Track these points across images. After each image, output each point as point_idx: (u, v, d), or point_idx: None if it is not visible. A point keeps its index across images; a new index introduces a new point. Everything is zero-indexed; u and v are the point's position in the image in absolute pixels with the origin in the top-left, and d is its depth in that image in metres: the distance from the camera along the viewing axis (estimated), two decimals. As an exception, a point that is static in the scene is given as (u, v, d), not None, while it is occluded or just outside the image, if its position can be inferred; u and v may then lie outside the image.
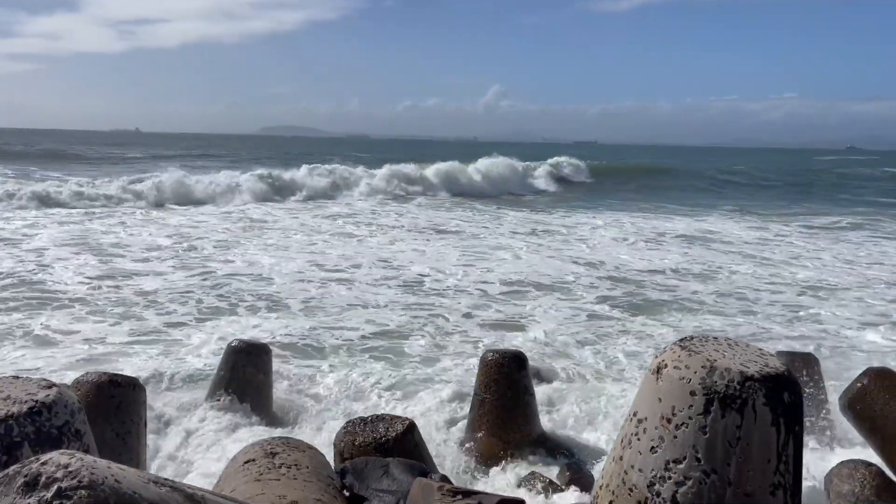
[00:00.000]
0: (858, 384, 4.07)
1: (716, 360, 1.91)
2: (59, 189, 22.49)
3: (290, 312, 9.32)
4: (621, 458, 2.06)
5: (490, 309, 9.82)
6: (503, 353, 5.46)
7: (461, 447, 5.27)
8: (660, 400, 1.96)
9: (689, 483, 1.89)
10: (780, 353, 6.30)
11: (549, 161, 38.87)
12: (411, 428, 3.49)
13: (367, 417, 3.54)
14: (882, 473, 3.80)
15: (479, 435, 5.31)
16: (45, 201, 21.17)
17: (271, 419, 5.70)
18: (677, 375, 1.93)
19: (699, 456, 1.88)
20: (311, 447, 2.59)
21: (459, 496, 1.83)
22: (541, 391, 6.13)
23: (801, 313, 10.08)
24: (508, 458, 5.06)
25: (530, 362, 5.60)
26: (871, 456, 4.02)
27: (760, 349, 2.06)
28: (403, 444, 3.33)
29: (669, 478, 1.92)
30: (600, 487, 2.15)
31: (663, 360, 1.99)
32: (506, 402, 5.29)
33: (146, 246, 14.26)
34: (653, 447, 1.96)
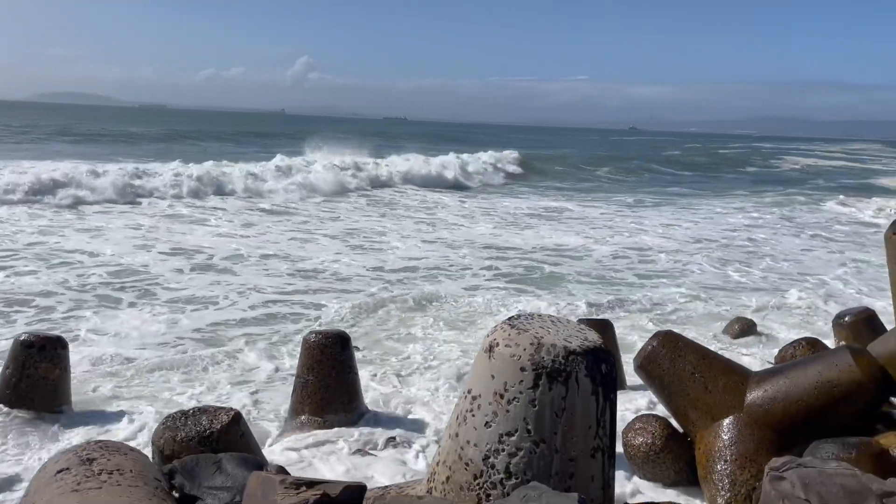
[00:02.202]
0: (649, 346, 4.51)
1: (542, 337, 2.05)
2: None
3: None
4: (457, 435, 2.15)
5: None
6: (325, 334, 5.43)
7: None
8: (493, 377, 2.07)
9: (521, 454, 2.02)
10: (579, 320, 6.86)
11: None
12: (237, 418, 3.38)
13: (189, 410, 3.37)
14: (670, 425, 4.28)
15: (302, 418, 5.26)
16: None
17: (71, 420, 5.21)
18: (508, 353, 2.05)
19: (529, 427, 2.02)
20: (132, 449, 2.42)
21: (303, 487, 1.82)
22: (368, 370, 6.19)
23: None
24: (334, 438, 5.07)
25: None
26: (662, 411, 4.52)
27: (579, 324, 2.24)
28: (229, 435, 3.22)
29: (503, 450, 2.04)
30: (437, 464, 2.23)
31: (495, 339, 2.10)
32: (329, 382, 5.27)
33: None
34: (487, 422, 2.07)
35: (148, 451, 3.06)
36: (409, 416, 5.50)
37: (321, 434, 4.87)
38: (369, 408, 5.51)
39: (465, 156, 31.56)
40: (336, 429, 4.99)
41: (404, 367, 6.74)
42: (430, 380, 6.33)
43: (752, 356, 6.74)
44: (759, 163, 54.13)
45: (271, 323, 8.19)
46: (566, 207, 21.59)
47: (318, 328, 6.63)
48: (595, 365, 2.04)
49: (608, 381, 2.07)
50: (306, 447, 4.69)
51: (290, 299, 9.24)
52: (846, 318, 5.66)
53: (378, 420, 5.29)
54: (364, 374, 6.28)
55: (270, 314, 8.54)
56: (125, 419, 5.28)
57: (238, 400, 5.78)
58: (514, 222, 17.87)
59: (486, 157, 32.99)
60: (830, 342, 5.76)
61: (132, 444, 3.84)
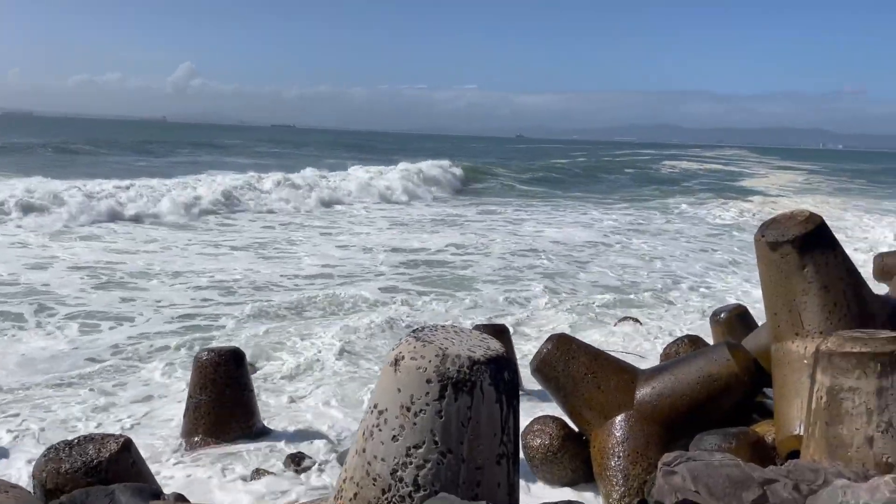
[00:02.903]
0: (544, 350, 4.64)
1: (447, 348, 2.08)
2: None
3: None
4: (364, 450, 2.14)
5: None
6: (218, 352, 5.27)
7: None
8: (399, 390, 2.08)
9: (429, 465, 2.04)
10: (476, 326, 6.98)
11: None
12: (127, 445, 3.21)
13: (73, 440, 3.17)
14: (566, 426, 4.43)
15: (196, 439, 5.07)
16: None
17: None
18: (414, 365, 2.06)
19: (436, 439, 2.04)
20: (13, 485, 2.25)
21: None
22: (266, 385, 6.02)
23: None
24: (230, 459, 4.91)
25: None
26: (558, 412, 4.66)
27: (481, 333, 2.29)
28: (120, 464, 3.06)
29: (411, 463, 2.05)
30: (344, 480, 2.21)
31: (400, 352, 2.11)
32: (224, 400, 5.11)
33: None
34: (394, 436, 2.08)
35: (31, 487, 2.85)
36: (311, 432, 5.40)
37: (218, 456, 4.71)
38: (267, 425, 5.37)
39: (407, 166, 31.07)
40: (233, 449, 4.83)
41: (303, 381, 6.62)
42: (330, 394, 6.24)
43: (640, 355, 7.08)
44: (643, 167, 56.89)
45: (170, 338, 7.82)
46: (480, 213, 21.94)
47: (210, 346, 6.39)
48: (498, 373, 2.09)
49: (511, 389, 2.13)
50: (203, 471, 4.52)
51: (193, 314, 8.89)
52: (721, 315, 6.03)
53: (277, 437, 5.17)
54: (262, 390, 6.13)
55: (172, 331, 8.16)
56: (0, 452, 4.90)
57: (127, 424, 5.49)
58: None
59: (426, 167, 32.90)
60: (710, 338, 6.12)
61: (12, 480, 3.57)
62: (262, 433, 5.25)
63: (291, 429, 5.46)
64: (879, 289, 6.08)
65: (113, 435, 3.30)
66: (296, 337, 7.91)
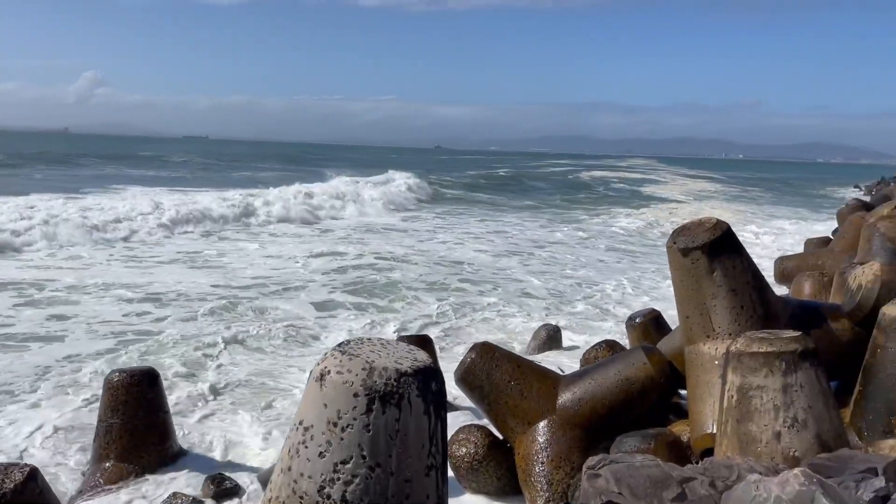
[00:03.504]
0: (468, 359, 4.67)
1: (374, 361, 2.06)
2: None
3: None
4: (290, 469, 2.10)
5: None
6: (130, 373, 5.04)
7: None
8: (325, 406, 2.04)
9: (357, 480, 2.01)
10: (400, 337, 6.95)
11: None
12: (33, 475, 3.03)
13: (-28, 472, 2.97)
14: (491, 434, 4.46)
15: (107, 465, 4.83)
16: None
17: None
18: (340, 380, 2.03)
19: (364, 453, 2.02)
20: None
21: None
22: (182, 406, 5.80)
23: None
24: (145, 484, 4.71)
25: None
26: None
27: (408, 345, 2.28)
28: (25, 495, 2.89)
29: (338, 479, 2.02)
30: (269, 500, 2.16)
31: (326, 367, 2.07)
32: (137, 423, 4.90)
33: None
34: (321, 452, 2.04)
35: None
36: (230, 453, 5.24)
37: (132, 482, 4.50)
38: (184, 448, 5.18)
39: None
40: (148, 475, 4.64)
41: (224, 399, 6.42)
42: (248, 411, 6.08)
43: (561, 361, 7.22)
44: (561, 178, 58.25)
45: (84, 360, 7.42)
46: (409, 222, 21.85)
47: (122, 367, 6.12)
48: (426, 384, 2.08)
49: (439, 399, 2.13)
50: (116, 498, 4.31)
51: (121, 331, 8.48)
52: (637, 320, 6.24)
53: (196, 461, 5.00)
54: (179, 410, 5.91)
55: (89, 353, 7.75)
56: None
57: (35, 452, 5.18)
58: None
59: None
60: (627, 343, 6.31)
61: None
62: (179, 456, 5.06)
63: (211, 450, 5.28)
64: (780, 291, 6.41)
65: (17, 464, 3.10)
66: (222, 352, 7.68)
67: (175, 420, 5.33)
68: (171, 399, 5.82)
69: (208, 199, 22.17)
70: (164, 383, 5.26)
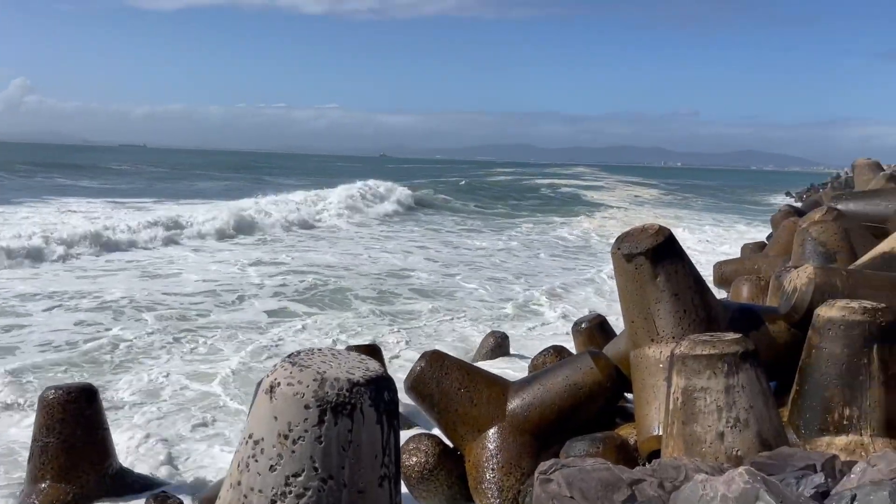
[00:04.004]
0: (417, 367, 4.66)
1: (325, 372, 2.03)
2: None
3: None
4: (239, 483, 2.05)
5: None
6: (67, 389, 4.85)
7: (20, 505, 4.54)
8: (275, 418, 2.00)
9: (309, 493, 1.98)
10: (348, 347, 6.89)
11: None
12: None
13: None
14: (442, 442, 4.45)
15: (43, 486, 4.64)
16: None
17: None
18: (291, 392, 2.00)
19: (316, 465, 1.98)
20: None
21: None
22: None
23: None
24: (83, 505, 4.54)
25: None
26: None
27: (360, 355, 2.25)
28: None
29: (290, 492, 1.98)
30: (217, 517, 2.10)
31: (276, 379, 2.03)
32: (75, 442, 4.71)
33: None
34: (272, 466, 2.00)
35: None
36: (173, 468, 5.09)
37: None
38: (125, 466, 5.01)
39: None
40: (87, 495, 4.46)
41: (163, 414, 6.24)
42: (197, 425, 5.92)
43: (509, 367, 7.26)
44: (508, 185, 58.68)
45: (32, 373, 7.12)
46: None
47: (57, 383, 5.88)
48: (378, 394, 2.06)
49: (391, 409, 2.11)
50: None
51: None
52: (583, 325, 6.32)
53: (136, 479, 4.83)
54: (119, 427, 5.72)
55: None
56: None
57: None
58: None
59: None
60: (573, 348, 6.38)
61: None
62: (120, 474, 4.89)
63: (155, 467, 5.13)
64: (720, 294, 6.60)
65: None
66: (166, 364, 7.48)
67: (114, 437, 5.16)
68: (110, 416, 5.62)
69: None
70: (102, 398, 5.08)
